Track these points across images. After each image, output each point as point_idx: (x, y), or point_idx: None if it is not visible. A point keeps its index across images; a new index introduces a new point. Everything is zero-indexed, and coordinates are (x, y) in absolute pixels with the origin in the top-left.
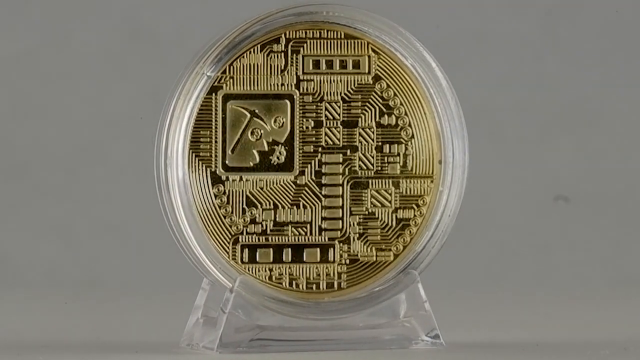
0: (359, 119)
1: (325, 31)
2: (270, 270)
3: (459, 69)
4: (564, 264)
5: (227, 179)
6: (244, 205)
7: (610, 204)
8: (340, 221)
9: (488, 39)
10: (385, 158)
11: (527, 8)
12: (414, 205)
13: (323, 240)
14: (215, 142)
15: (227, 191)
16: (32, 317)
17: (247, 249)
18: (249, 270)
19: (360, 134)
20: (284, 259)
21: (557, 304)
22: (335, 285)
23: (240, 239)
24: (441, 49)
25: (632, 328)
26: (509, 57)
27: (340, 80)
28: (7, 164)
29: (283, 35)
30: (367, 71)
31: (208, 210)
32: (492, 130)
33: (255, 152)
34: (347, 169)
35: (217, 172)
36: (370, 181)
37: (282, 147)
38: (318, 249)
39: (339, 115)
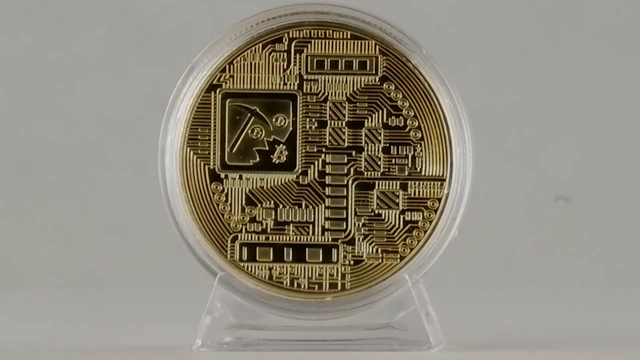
0: (366, 120)
1: (331, 31)
2: (270, 269)
3: (460, 69)
4: (564, 264)
5: (226, 177)
6: (243, 204)
7: (610, 204)
8: (345, 222)
9: (488, 39)
10: (393, 160)
11: (527, 8)
12: (422, 208)
13: (326, 240)
14: (214, 139)
15: (225, 189)
16: (32, 317)
17: (245, 248)
18: (247, 268)
19: (366, 135)
20: (284, 259)
21: (557, 304)
22: (339, 286)
23: (239, 237)
24: (441, 49)
25: (632, 328)
26: (509, 57)
27: (346, 81)
28: (8, 163)
29: (286, 35)
30: (374, 72)
31: (205, 208)
32: (492, 130)
33: (255, 151)
34: (352, 170)
35: (216, 169)
36: (376, 182)
37: (284, 146)
38: (321, 249)
39: (344, 115)
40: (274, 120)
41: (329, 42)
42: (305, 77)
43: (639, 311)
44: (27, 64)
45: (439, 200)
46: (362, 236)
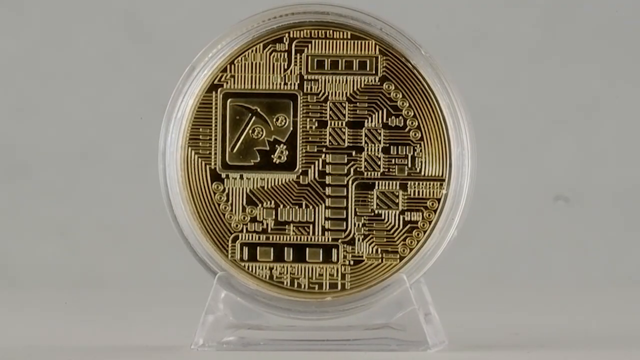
0: (365, 120)
1: (331, 31)
2: (271, 269)
3: (459, 69)
4: (564, 264)
5: (227, 176)
6: (244, 204)
7: (610, 204)
8: (345, 222)
9: (488, 39)
10: (393, 160)
11: (527, 8)
12: (422, 208)
13: (326, 240)
14: (215, 139)
15: (226, 189)
16: (32, 317)
17: (246, 247)
18: (248, 268)
19: (366, 135)
20: (285, 258)
21: (557, 304)
22: (339, 286)
23: (239, 237)
24: (441, 49)
25: (632, 328)
26: (509, 57)
27: (346, 81)
28: (7, 164)
29: (287, 35)
30: (374, 72)
31: (206, 207)
32: (492, 130)
33: (256, 151)
34: (352, 170)
35: (217, 169)
36: (376, 182)
37: (284, 146)
38: (321, 249)
39: (344, 115)
40: (274, 120)
41: (329, 42)
42: (305, 77)
43: (639, 311)
44: (27, 64)
45: (438, 200)
46: (362, 236)
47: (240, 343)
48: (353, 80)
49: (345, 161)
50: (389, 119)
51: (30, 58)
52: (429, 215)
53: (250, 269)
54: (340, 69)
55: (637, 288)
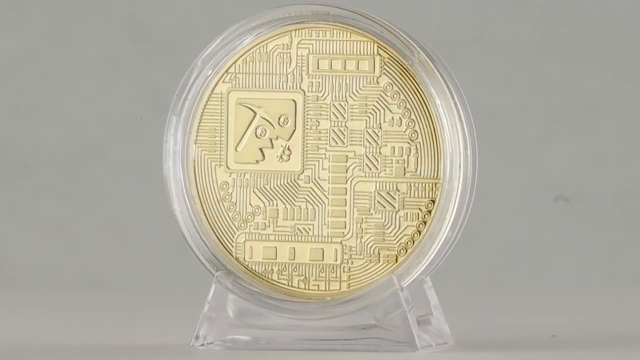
0: (365, 120)
1: (332, 31)
2: (273, 268)
3: (459, 69)
4: (563, 264)
5: (232, 175)
6: (249, 203)
7: (610, 204)
8: (345, 222)
9: (488, 39)
10: (391, 160)
11: (527, 8)
12: (418, 209)
13: (327, 240)
14: (220, 138)
15: (231, 188)
16: (32, 317)
17: (250, 246)
18: (251, 267)
19: (365, 135)
20: (286, 258)
21: (556, 304)
22: (338, 286)
23: (243, 236)
24: (441, 49)
25: (632, 328)
26: (509, 57)
27: (346, 81)
28: (7, 164)
29: (290, 35)
30: (373, 72)
31: (211, 206)
32: (492, 130)
33: (260, 150)
34: (352, 170)
35: (223, 168)
36: (374, 183)
37: (287, 145)
38: (322, 249)
39: (344, 115)
40: (278, 119)
41: (329, 42)
42: (308, 77)
43: (639, 311)
44: (27, 64)
45: (434, 201)
46: (361, 236)
47: (240, 342)
48: (353, 80)
49: (346, 161)
50: (388, 119)
51: (30, 58)
52: (426, 215)
53: (252, 267)
54: (340, 68)
55: (637, 288)
